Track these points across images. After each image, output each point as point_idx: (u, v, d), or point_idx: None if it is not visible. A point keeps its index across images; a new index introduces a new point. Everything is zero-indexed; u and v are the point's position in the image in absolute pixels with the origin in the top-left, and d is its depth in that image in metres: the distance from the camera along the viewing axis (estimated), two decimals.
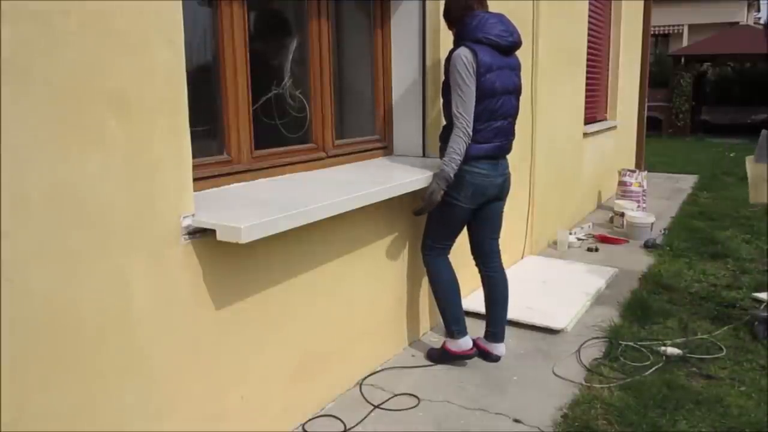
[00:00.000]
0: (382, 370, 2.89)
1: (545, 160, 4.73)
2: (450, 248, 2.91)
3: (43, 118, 1.48)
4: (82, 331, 1.62)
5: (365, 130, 3.26)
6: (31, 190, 1.47)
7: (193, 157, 1.91)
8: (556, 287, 3.91)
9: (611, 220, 5.82)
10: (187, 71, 1.84)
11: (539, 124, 4.51)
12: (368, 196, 2.39)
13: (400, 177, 2.69)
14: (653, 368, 2.83)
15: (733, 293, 3.84)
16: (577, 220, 5.86)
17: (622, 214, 5.54)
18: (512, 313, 3.18)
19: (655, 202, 6.63)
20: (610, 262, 4.57)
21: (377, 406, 2.57)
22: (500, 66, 2.66)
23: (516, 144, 2.93)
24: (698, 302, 3.67)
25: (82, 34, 1.54)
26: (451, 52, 2.64)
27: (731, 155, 10.83)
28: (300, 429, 2.42)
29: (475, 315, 3.29)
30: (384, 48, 3.23)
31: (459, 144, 2.60)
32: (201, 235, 1.92)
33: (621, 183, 6.15)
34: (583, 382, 2.74)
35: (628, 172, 6.14)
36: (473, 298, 3.54)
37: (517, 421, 2.46)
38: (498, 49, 2.66)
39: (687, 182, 8.27)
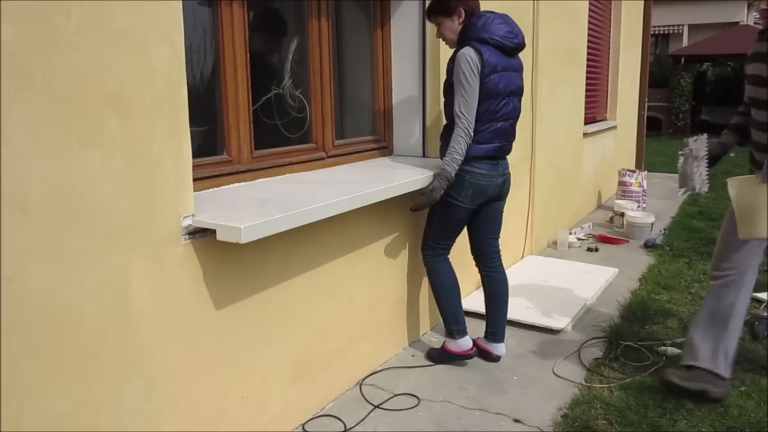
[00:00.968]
0: (382, 370, 2.89)
1: (545, 160, 4.73)
2: (450, 248, 2.91)
3: (43, 118, 1.48)
4: (82, 331, 1.62)
5: (365, 130, 3.26)
6: (31, 190, 1.47)
7: (193, 157, 1.91)
8: (556, 287, 3.90)
9: (611, 220, 5.83)
10: (187, 71, 1.84)
11: (539, 124, 4.51)
12: (368, 196, 2.39)
13: (400, 177, 2.69)
14: (653, 368, 2.83)
15: None
16: (577, 220, 5.86)
17: (622, 214, 5.54)
18: (512, 313, 3.19)
19: (655, 202, 6.63)
20: (610, 262, 4.57)
21: (377, 406, 2.57)
22: (505, 67, 2.65)
23: (516, 144, 2.93)
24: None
25: (82, 34, 1.54)
26: (456, 51, 2.65)
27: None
28: (300, 429, 2.42)
29: (475, 315, 3.29)
30: (384, 48, 3.23)
31: (460, 144, 2.60)
32: (201, 235, 1.92)
33: (621, 183, 6.16)
34: (583, 382, 2.75)
35: (628, 172, 6.14)
36: (473, 298, 3.54)
37: (517, 421, 2.46)
38: (503, 50, 2.65)
39: None
